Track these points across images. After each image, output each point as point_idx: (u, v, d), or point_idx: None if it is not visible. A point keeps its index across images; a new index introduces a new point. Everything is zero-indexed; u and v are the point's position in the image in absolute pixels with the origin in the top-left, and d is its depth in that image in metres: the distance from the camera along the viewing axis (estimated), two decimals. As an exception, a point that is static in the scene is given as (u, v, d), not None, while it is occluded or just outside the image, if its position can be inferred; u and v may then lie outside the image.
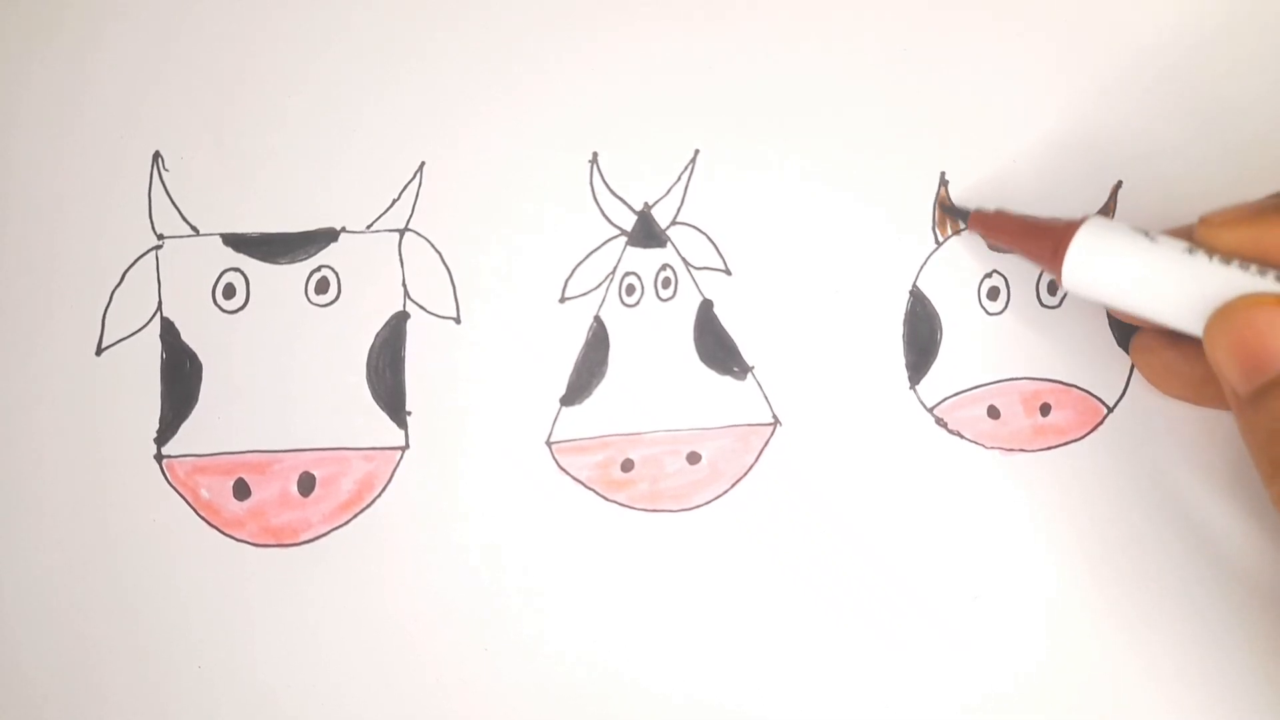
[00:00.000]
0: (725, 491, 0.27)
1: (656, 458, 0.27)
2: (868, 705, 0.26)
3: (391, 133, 0.27)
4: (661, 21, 0.27)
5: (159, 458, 0.26)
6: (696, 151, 0.27)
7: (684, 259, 0.27)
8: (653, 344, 0.27)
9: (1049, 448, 0.27)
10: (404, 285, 0.27)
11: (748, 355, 0.27)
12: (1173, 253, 0.20)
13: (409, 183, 0.27)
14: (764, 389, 0.27)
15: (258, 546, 0.26)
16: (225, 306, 0.26)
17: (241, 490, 0.26)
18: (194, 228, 0.26)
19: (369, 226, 0.27)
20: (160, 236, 0.26)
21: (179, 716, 0.25)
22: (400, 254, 0.27)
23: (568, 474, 0.26)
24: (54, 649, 0.25)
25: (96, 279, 0.26)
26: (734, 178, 0.27)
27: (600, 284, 0.27)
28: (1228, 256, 0.20)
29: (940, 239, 0.27)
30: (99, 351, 0.26)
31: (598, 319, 0.27)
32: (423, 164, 0.27)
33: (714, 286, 0.27)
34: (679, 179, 0.27)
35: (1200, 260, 0.20)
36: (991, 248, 0.27)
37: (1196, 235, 0.21)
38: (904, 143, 0.27)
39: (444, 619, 0.26)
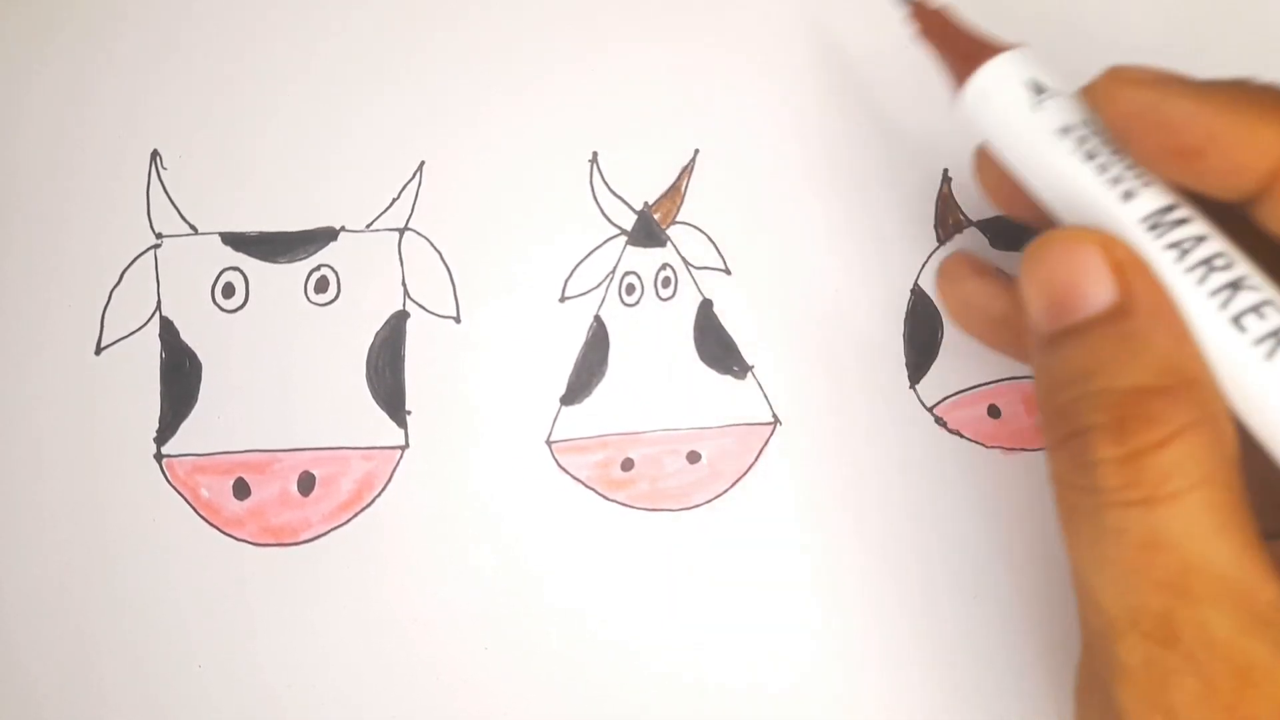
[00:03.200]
0: (725, 491, 0.27)
1: (656, 457, 0.27)
2: (867, 705, 0.26)
3: (391, 132, 0.27)
4: (661, 22, 0.27)
5: (159, 457, 0.26)
6: (696, 152, 0.27)
7: (684, 258, 0.27)
8: (653, 343, 0.27)
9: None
10: (404, 285, 0.27)
11: (748, 355, 0.27)
12: (1045, 127, 0.18)
13: (409, 182, 0.27)
14: (764, 389, 0.27)
15: (258, 546, 0.26)
16: (224, 306, 0.26)
17: (241, 490, 0.26)
18: (193, 227, 0.26)
19: (369, 226, 0.27)
20: (159, 236, 0.26)
21: (179, 716, 0.25)
22: (400, 253, 0.27)
23: (568, 473, 0.26)
24: (54, 649, 0.25)
25: (95, 278, 0.26)
26: (734, 178, 0.27)
27: (600, 283, 0.27)
28: (1111, 129, 0.18)
29: (942, 238, 0.27)
30: (98, 351, 0.26)
31: (598, 318, 0.27)
32: (422, 163, 0.27)
33: (714, 286, 0.27)
34: (679, 178, 0.27)
35: (1065, 146, 0.18)
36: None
37: (1099, 86, 0.18)
38: (905, 141, 0.27)
39: (444, 618, 0.26)
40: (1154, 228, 0.17)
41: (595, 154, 0.27)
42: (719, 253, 0.27)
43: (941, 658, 0.26)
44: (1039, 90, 0.18)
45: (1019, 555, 0.27)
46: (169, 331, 0.26)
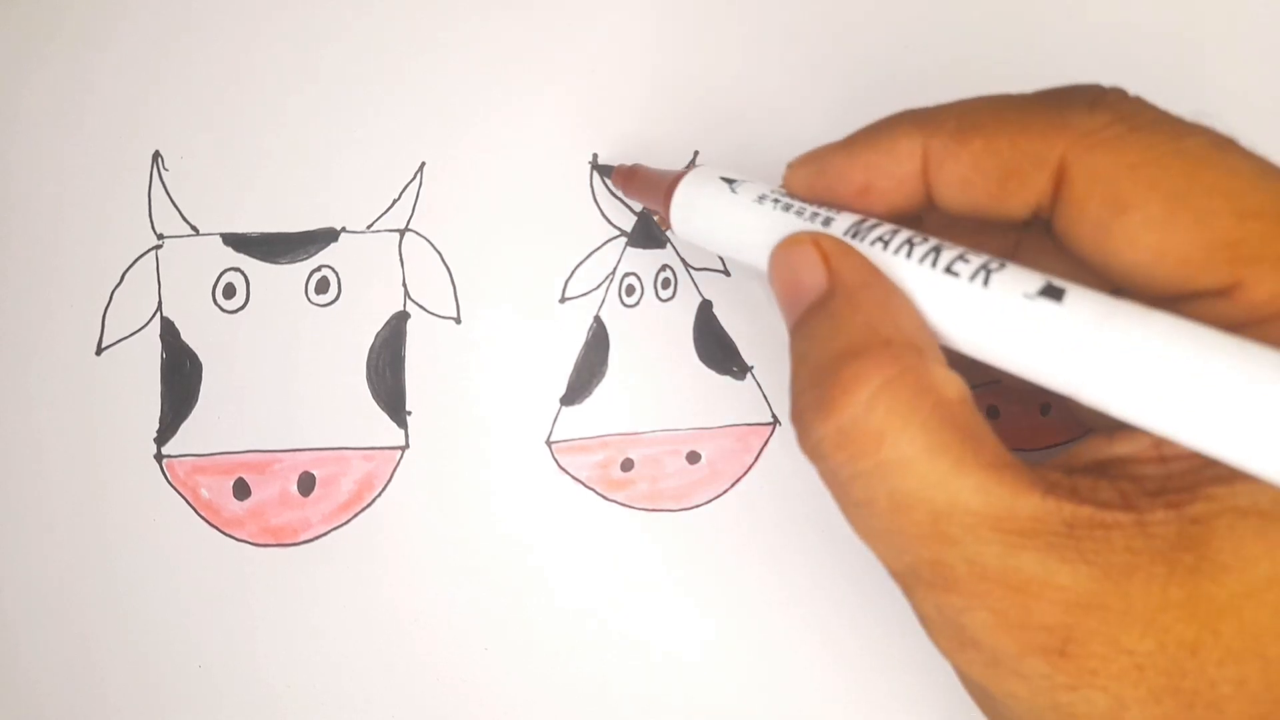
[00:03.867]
0: (725, 491, 0.27)
1: (656, 457, 0.27)
2: (867, 704, 0.26)
3: (392, 133, 0.27)
4: (661, 22, 0.27)
5: (159, 457, 0.26)
6: (695, 154, 0.27)
7: (683, 260, 0.27)
8: (652, 344, 0.27)
9: (1049, 446, 0.27)
10: (404, 285, 0.27)
11: (747, 355, 0.27)
12: (745, 201, 0.21)
13: (409, 183, 0.27)
14: (763, 389, 0.27)
15: (258, 546, 0.26)
16: (225, 306, 0.26)
17: (241, 490, 0.26)
18: (194, 227, 0.26)
19: (369, 226, 0.27)
20: (160, 236, 0.26)
21: (179, 716, 0.25)
22: (400, 254, 0.27)
23: (568, 473, 0.26)
24: (54, 649, 0.25)
25: (96, 279, 0.26)
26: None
27: (600, 284, 0.27)
28: (802, 198, 0.20)
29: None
30: (99, 351, 0.26)
31: (598, 319, 0.27)
32: (423, 164, 0.27)
33: (713, 287, 0.27)
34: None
35: (766, 208, 0.20)
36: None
37: (785, 179, 0.21)
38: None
39: (444, 618, 0.26)
40: (854, 235, 0.19)
41: (595, 155, 0.27)
42: (719, 254, 0.27)
43: (940, 658, 0.26)
44: (730, 181, 0.21)
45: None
46: (170, 332, 0.26)
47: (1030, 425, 0.27)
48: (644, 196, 0.25)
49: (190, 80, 0.27)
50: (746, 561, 0.26)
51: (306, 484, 0.26)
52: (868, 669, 0.26)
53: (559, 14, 0.27)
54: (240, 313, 0.26)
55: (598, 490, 0.26)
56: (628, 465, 0.26)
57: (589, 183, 0.27)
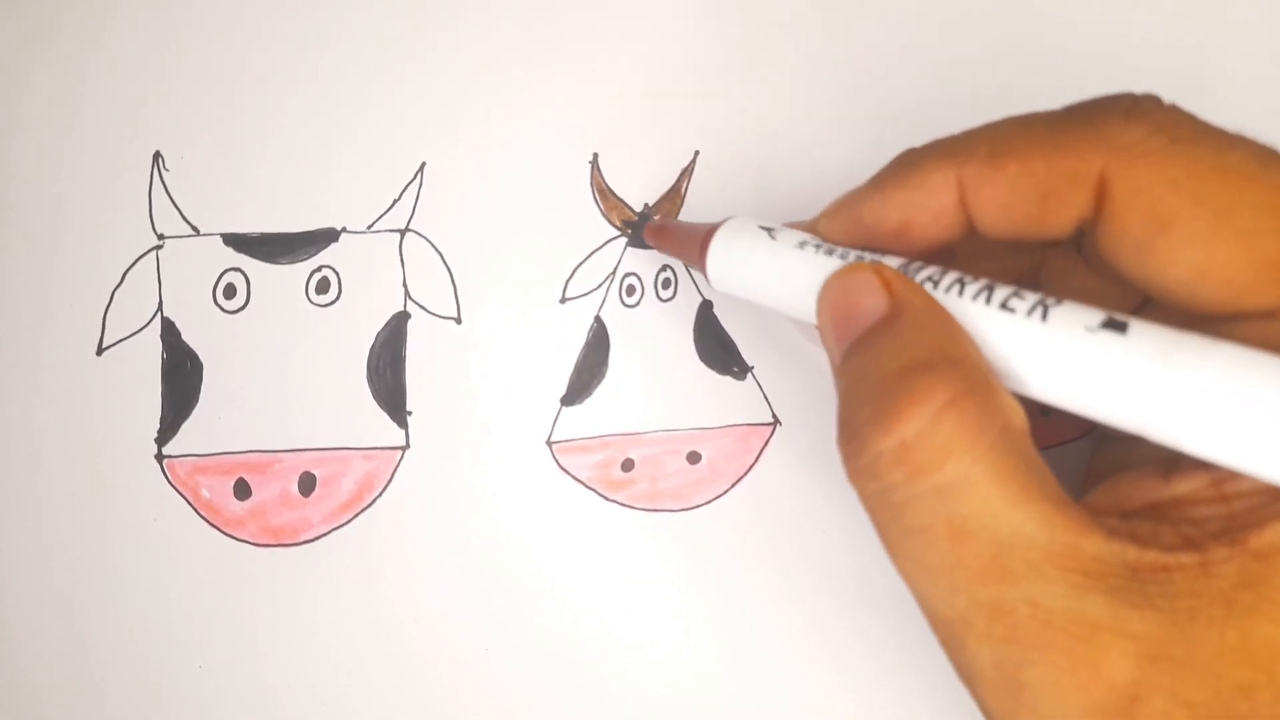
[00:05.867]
0: (725, 491, 0.27)
1: (656, 458, 0.27)
2: (867, 705, 0.26)
3: (392, 133, 0.27)
4: (662, 22, 0.27)
5: (160, 458, 0.26)
6: (696, 153, 0.27)
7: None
8: (653, 344, 0.27)
9: (1048, 447, 0.27)
10: (404, 285, 0.27)
11: (748, 355, 0.27)
12: (786, 248, 0.21)
13: (410, 183, 0.27)
14: (764, 389, 0.27)
15: (258, 546, 0.26)
16: (226, 306, 0.26)
17: (242, 490, 0.26)
18: (194, 228, 0.26)
19: (370, 227, 0.27)
20: (161, 236, 0.26)
21: (179, 716, 0.25)
22: (401, 254, 0.27)
23: (568, 474, 0.26)
24: (54, 649, 0.25)
25: (97, 279, 0.26)
26: (734, 178, 0.27)
27: (600, 284, 0.27)
28: (841, 245, 0.20)
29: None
30: (99, 351, 0.26)
31: (598, 319, 0.27)
32: (423, 164, 0.27)
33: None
34: (677, 180, 0.27)
35: (808, 253, 0.20)
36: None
37: (817, 228, 0.21)
38: (903, 141, 0.27)
39: (444, 619, 0.26)
40: (904, 271, 0.19)
41: (595, 155, 0.27)
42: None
43: (941, 658, 0.26)
44: (768, 230, 0.21)
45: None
46: (170, 332, 0.26)
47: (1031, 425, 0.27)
48: (678, 251, 0.24)
49: (190, 80, 0.27)
50: (747, 561, 0.26)
51: (307, 484, 0.26)
52: (868, 669, 0.26)
53: (559, 14, 0.27)
54: (241, 313, 0.26)
55: (598, 490, 0.26)
56: (628, 465, 0.26)
57: (589, 182, 0.27)
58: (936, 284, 0.18)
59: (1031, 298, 0.17)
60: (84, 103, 0.27)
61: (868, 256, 0.19)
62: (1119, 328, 0.15)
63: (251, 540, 0.26)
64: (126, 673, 0.25)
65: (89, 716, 0.25)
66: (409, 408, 0.26)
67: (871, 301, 0.18)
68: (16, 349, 0.26)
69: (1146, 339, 0.15)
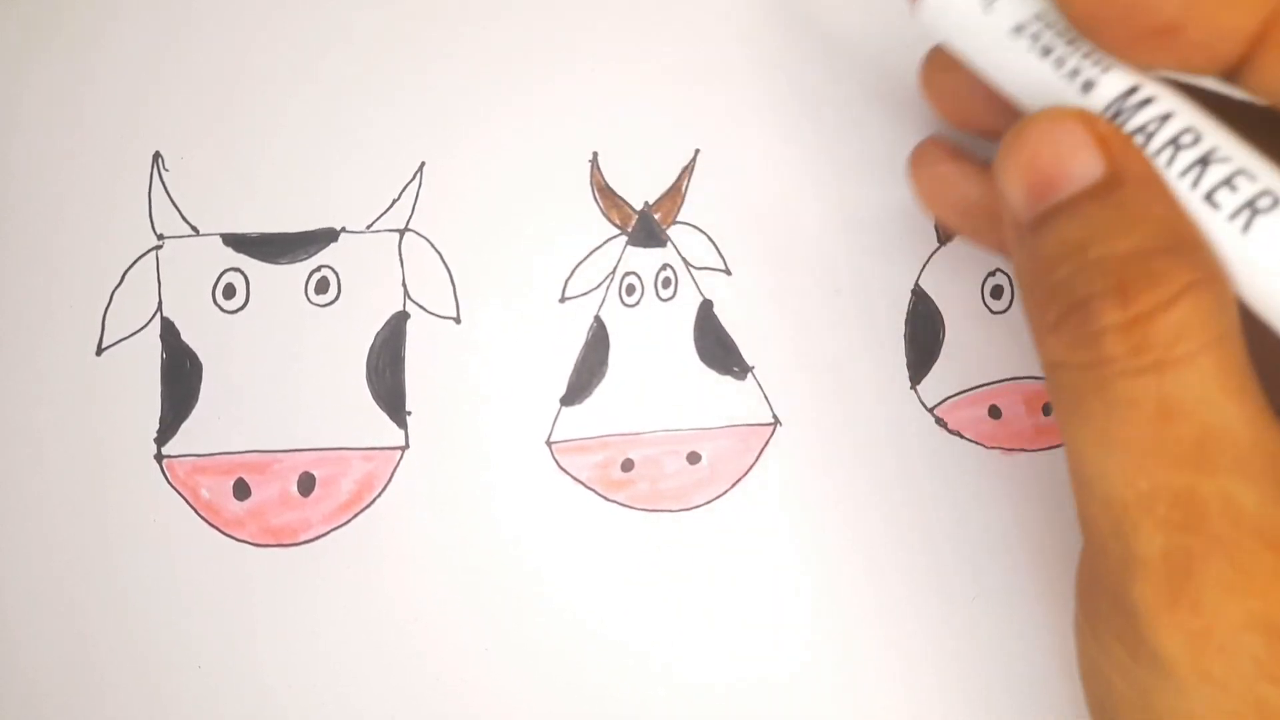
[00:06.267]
0: (725, 491, 0.27)
1: (656, 458, 0.26)
2: (867, 705, 0.26)
3: (392, 133, 0.27)
4: (661, 21, 0.27)
5: (159, 458, 0.26)
6: (697, 152, 0.27)
7: (684, 259, 0.27)
8: (653, 344, 0.27)
9: (1051, 447, 0.27)
10: (404, 285, 0.27)
11: (748, 355, 0.27)
12: (1001, 27, 0.18)
13: (409, 183, 0.27)
14: (764, 389, 0.27)
15: (258, 546, 0.26)
16: (225, 306, 0.26)
17: (241, 490, 0.26)
18: (194, 228, 0.26)
19: (369, 226, 0.27)
20: (160, 236, 0.26)
21: (178, 716, 0.25)
22: (400, 254, 0.27)
23: (568, 474, 0.26)
24: (54, 649, 0.25)
25: (96, 279, 0.26)
26: (734, 178, 0.27)
27: (600, 284, 0.27)
28: (1075, 24, 0.17)
29: (942, 238, 0.27)
30: (99, 351, 0.26)
31: (598, 319, 0.27)
32: (423, 164, 0.27)
33: (714, 286, 0.27)
34: (679, 178, 0.27)
35: (1020, 45, 0.17)
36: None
37: None
38: (906, 140, 0.27)
39: (444, 619, 0.26)
40: (1116, 115, 0.16)
41: (595, 154, 0.27)
42: (719, 253, 0.27)
43: (941, 659, 0.26)
44: None
45: (1019, 557, 0.27)
46: (170, 332, 0.26)
47: (1031, 425, 0.27)
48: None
49: (190, 80, 0.27)
50: (747, 562, 0.26)
51: (307, 484, 0.26)
52: (868, 670, 0.26)
53: (559, 14, 0.27)
54: (240, 313, 0.26)
55: (598, 490, 0.26)
56: (628, 465, 0.26)
57: (589, 181, 0.27)
58: (1149, 138, 0.16)
59: (1248, 189, 0.15)
60: (84, 103, 0.27)
61: (1084, 75, 0.16)
62: None
63: (251, 540, 0.26)
64: (125, 672, 0.25)
65: (88, 716, 0.25)
66: (408, 408, 0.26)
67: (1084, 164, 0.16)
68: (16, 349, 0.26)
69: None
